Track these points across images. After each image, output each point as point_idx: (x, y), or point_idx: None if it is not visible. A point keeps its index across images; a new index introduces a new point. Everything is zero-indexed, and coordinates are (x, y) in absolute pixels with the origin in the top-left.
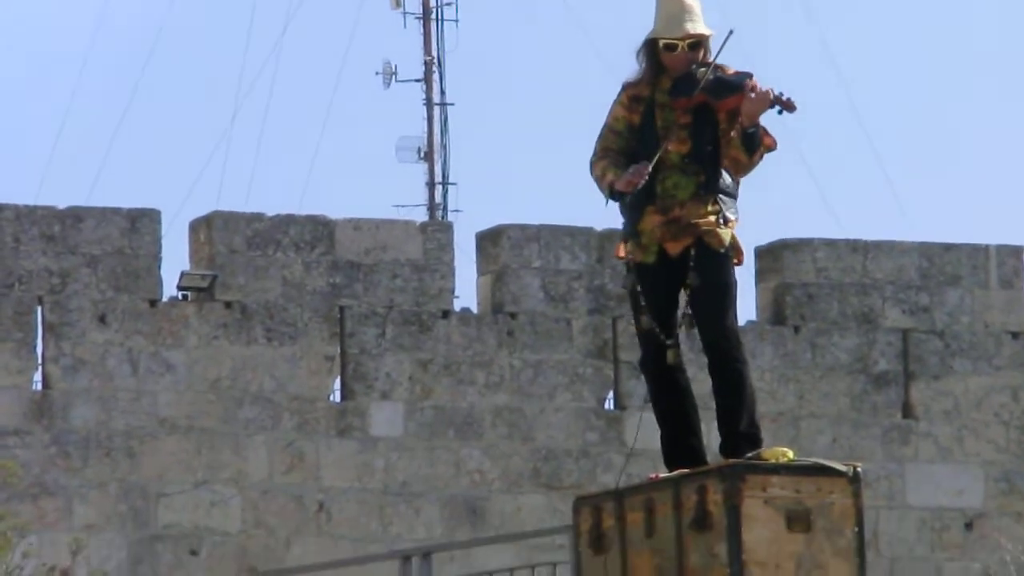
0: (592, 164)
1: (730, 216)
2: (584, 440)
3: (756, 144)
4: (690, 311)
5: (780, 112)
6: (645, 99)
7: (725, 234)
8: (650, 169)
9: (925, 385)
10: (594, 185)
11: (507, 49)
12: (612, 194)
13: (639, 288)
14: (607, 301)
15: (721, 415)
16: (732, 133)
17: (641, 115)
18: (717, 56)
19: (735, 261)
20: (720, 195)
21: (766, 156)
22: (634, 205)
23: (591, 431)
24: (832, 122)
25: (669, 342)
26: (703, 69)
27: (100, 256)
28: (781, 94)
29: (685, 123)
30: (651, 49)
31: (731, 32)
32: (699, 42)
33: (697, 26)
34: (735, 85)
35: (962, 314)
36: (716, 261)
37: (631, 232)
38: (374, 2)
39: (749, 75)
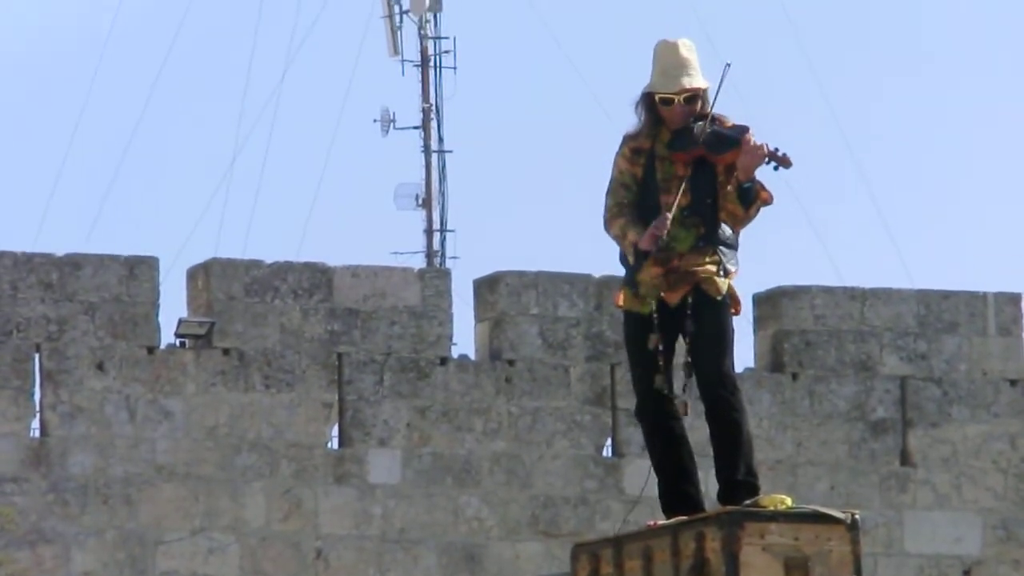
0: (608, 222)
1: (730, 267)
2: (582, 487)
3: (752, 198)
4: (689, 359)
5: (776, 168)
6: (646, 151)
7: (723, 283)
8: (670, 219)
9: (923, 432)
10: (600, 236)
11: (505, 96)
12: (636, 253)
13: (652, 317)
14: (605, 348)
15: (718, 463)
16: (728, 187)
17: (643, 167)
18: (717, 94)
19: (733, 311)
20: (720, 247)
21: (763, 209)
22: (634, 257)
23: (589, 478)
24: (831, 169)
25: (667, 392)
26: (701, 123)
27: (98, 303)
28: (776, 150)
29: (684, 175)
30: (648, 102)
31: (728, 65)
32: (696, 95)
33: (694, 80)
34: (732, 140)
35: (960, 361)
36: (713, 308)
37: (630, 281)
38: (372, 49)
39: (746, 129)
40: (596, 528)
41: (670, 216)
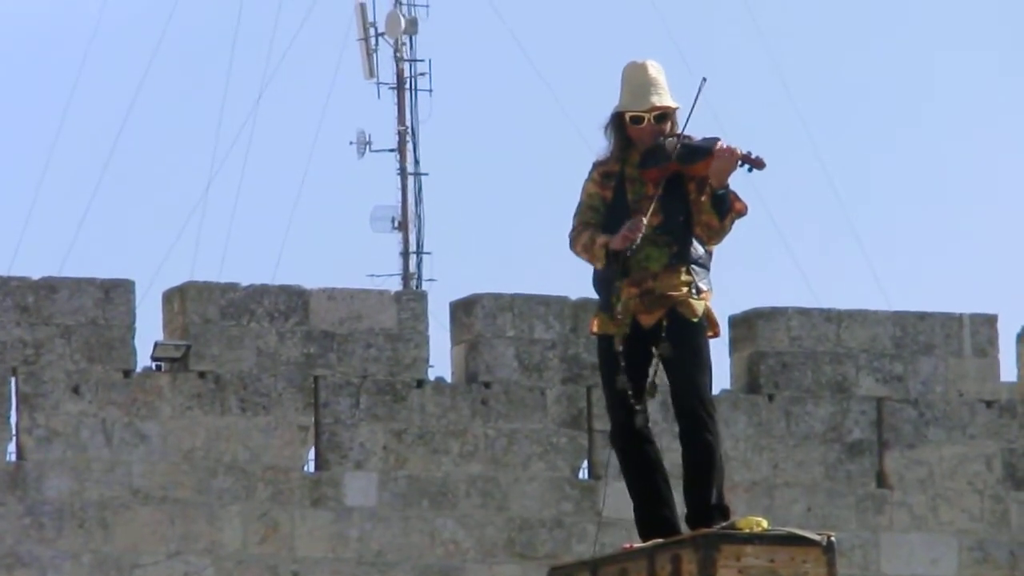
0: (573, 239)
1: (703, 287)
2: (558, 510)
3: (727, 207)
4: (656, 380)
5: (750, 170)
6: (615, 175)
7: (698, 305)
8: (645, 223)
9: (899, 454)
10: (575, 258)
11: (481, 119)
12: (608, 255)
13: (618, 355)
14: (581, 370)
15: (689, 487)
16: (703, 198)
17: (612, 190)
18: (693, 108)
19: (710, 333)
20: (692, 265)
21: (737, 222)
22: (608, 279)
23: (565, 500)
24: (806, 191)
25: (638, 407)
26: (671, 140)
27: (74, 327)
28: (749, 152)
29: (655, 195)
30: (618, 123)
31: (704, 80)
32: (665, 114)
33: (663, 98)
34: (704, 149)
35: (936, 383)
36: (689, 331)
37: (605, 305)
38: (348, 72)
39: (717, 139)
40: (572, 550)
41: (645, 220)
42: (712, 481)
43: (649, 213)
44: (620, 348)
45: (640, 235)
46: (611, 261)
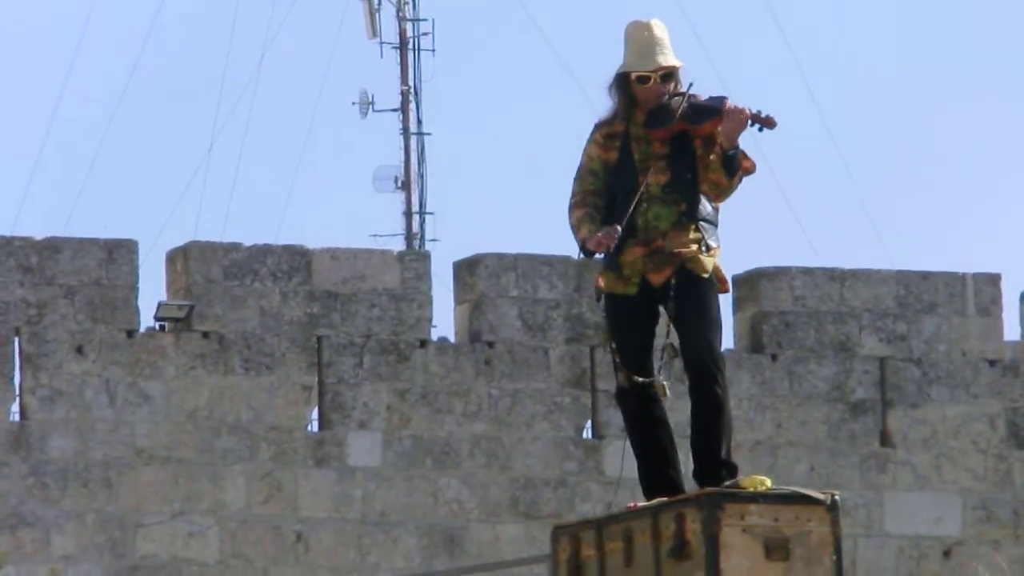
0: (570, 210)
1: (712, 244)
2: (562, 469)
3: (736, 166)
4: (671, 341)
5: (760, 129)
6: (620, 135)
7: (708, 261)
8: (619, 233)
9: (903, 413)
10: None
11: (484, 78)
12: (582, 249)
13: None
14: (585, 330)
15: (697, 440)
16: (711, 156)
17: (617, 151)
18: (682, 104)
19: (719, 288)
20: (701, 222)
21: (744, 180)
22: (580, 253)
23: (569, 460)
24: (809, 150)
25: (643, 379)
26: (676, 99)
27: (77, 287)
28: (759, 112)
29: (662, 154)
30: (623, 83)
31: (691, 84)
32: (670, 73)
33: (668, 58)
34: (712, 109)
35: (939, 342)
36: (699, 287)
37: (613, 264)
38: (351, 32)
39: (724, 98)
40: (576, 510)
41: (619, 229)
42: (721, 436)
43: (649, 176)
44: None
45: (613, 245)
46: (585, 254)
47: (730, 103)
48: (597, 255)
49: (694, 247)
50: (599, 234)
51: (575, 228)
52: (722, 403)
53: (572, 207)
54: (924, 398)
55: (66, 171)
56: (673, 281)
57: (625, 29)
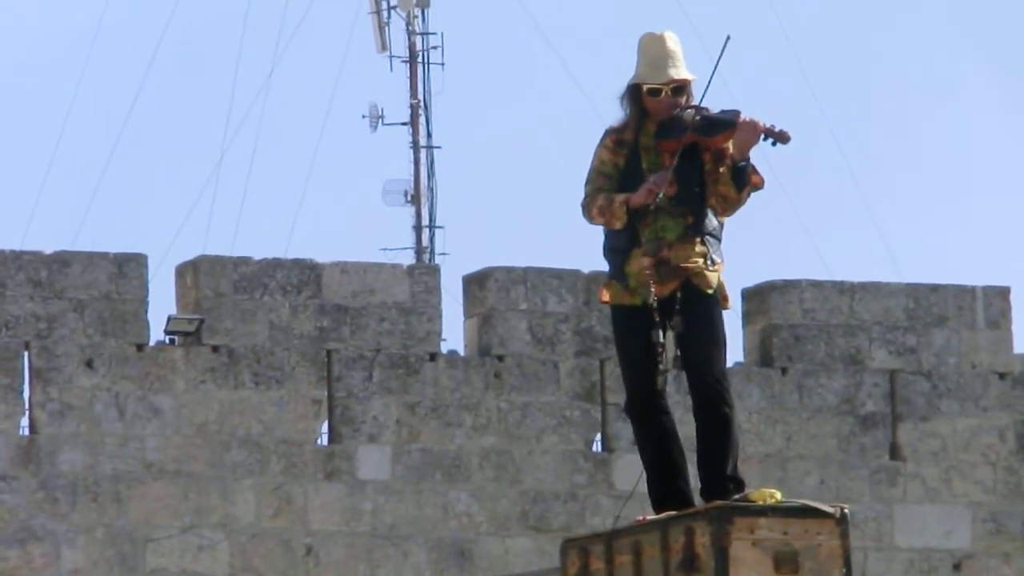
0: (587, 205)
1: (716, 259)
2: (572, 482)
3: (745, 180)
4: (679, 353)
5: (774, 144)
6: (629, 143)
7: (712, 276)
8: (671, 176)
9: (912, 426)
10: (588, 229)
11: (493, 92)
12: (628, 212)
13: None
14: (594, 343)
15: (704, 458)
16: (721, 169)
17: (625, 159)
18: (714, 72)
19: (722, 305)
20: (707, 236)
21: (753, 195)
22: (620, 249)
23: (579, 473)
24: (819, 164)
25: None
26: (689, 111)
27: (87, 301)
28: (773, 126)
29: (671, 165)
30: (634, 94)
31: (728, 38)
32: (682, 87)
33: (680, 71)
34: (726, 122)
35: (949, 355)
36: (705, 303)
37: (618, 275)
38: (360, 46)
39: (738, 112)
40: (586, 523)
41: (669, 173)
42: (727, 453)
43: (665, 184)
44: (654, 301)
45: (665, 188)
46: (632, 220)
47: (744, 116)
48: (650, 204)
49: (699, 261)
50: (647, 184)
51: (604, 208)
52: (728, 422)
53: (588, 203)
54: (934, 411)
55: (76, 185)
56: (679, 295)
57: (639, 41)
